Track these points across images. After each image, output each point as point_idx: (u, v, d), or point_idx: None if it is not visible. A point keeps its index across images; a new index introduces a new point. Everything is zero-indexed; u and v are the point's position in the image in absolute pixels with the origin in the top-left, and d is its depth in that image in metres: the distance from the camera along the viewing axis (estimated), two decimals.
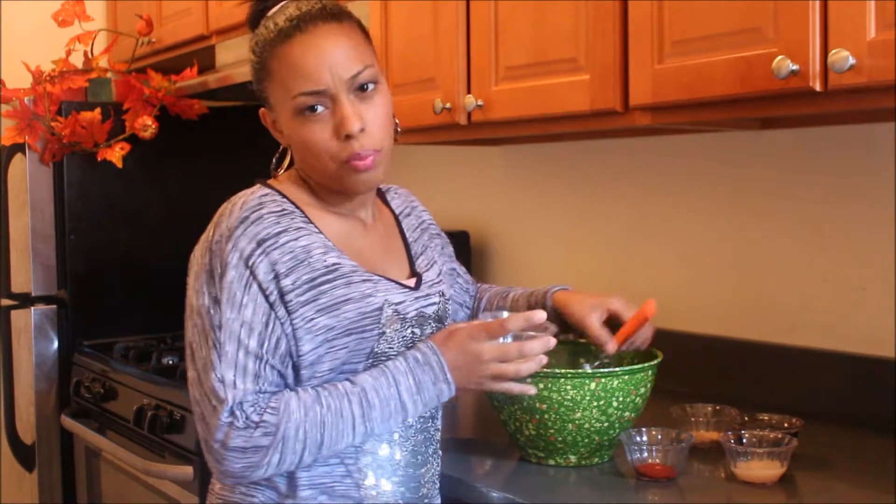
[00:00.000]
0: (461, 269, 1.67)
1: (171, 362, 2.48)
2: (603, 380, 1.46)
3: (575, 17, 1.73)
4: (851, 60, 1.29)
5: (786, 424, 1.58)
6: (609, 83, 1.68)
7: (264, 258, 1.22)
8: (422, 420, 1.36)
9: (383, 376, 1.26)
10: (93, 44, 2.85)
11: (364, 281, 1.29)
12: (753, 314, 1.96)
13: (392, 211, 1.49)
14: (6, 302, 2.93)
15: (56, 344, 2.81)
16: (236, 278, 1.21)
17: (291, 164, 1.39)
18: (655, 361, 1.53)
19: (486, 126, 1.98)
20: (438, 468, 1.42)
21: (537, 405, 1.48)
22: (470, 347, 1.28)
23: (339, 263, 1.28)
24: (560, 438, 1.50)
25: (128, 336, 2.80)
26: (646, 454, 1.47)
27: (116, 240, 2.85)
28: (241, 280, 1.22)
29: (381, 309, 1.29)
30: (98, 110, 2.71)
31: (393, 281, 1.35)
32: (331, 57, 1.26)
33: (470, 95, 1.95)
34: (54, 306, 2.81)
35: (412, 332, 1.34)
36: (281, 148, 1.39)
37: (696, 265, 2.07)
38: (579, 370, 1.50)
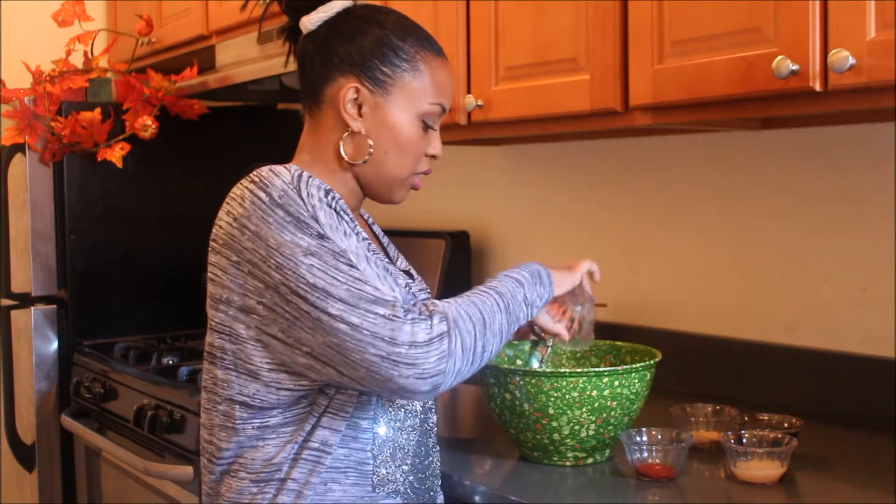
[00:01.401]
0: None
1: (171, 362, 2.48)
2: (654, 368, 1.52)
3: (575, 17, 1.73)
4: (851, 60, 1.29)
5: (786, 424, 1.58)
6: (609, 83, 1.68)
7: (335, 203, 1.25)
8: (422, 411, 1.38)
9: (491, 277, 1.38)
10: (93, 44, 2.85)
11: (389, 264, 1.35)
12: (753, 314, 1.96)
13: (361, 217, 1.52)
14: (6, 302, 2.93)
15: (56, 344, 2.81)
16: (327, 216, 1.23)
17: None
18: (655, 360, 1.54)
19: (486, 126, 1.98)
20: (439, 463, 1.44)
21: (608, 403, 1.48)
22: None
23: (369, 241, 1.31)
24: (615, 434, 1.52)
25: (128, 336, 2.80)
26: (646, 454, 1.47)
27: (116, 240, 2.85)
28: (332, 217, 1.23)
29: (407, 291, 1.34)
30: (98, 110, 2.71)
31: (402, 271, 1.40)
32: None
33: (470, 95, 1.95)
34: (54, 306, 2.82)
35: None
36: (345, 133, 1.35)
37: (695, 265, 2.07)
38: (645, 363, 1.52)
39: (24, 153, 2.81)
